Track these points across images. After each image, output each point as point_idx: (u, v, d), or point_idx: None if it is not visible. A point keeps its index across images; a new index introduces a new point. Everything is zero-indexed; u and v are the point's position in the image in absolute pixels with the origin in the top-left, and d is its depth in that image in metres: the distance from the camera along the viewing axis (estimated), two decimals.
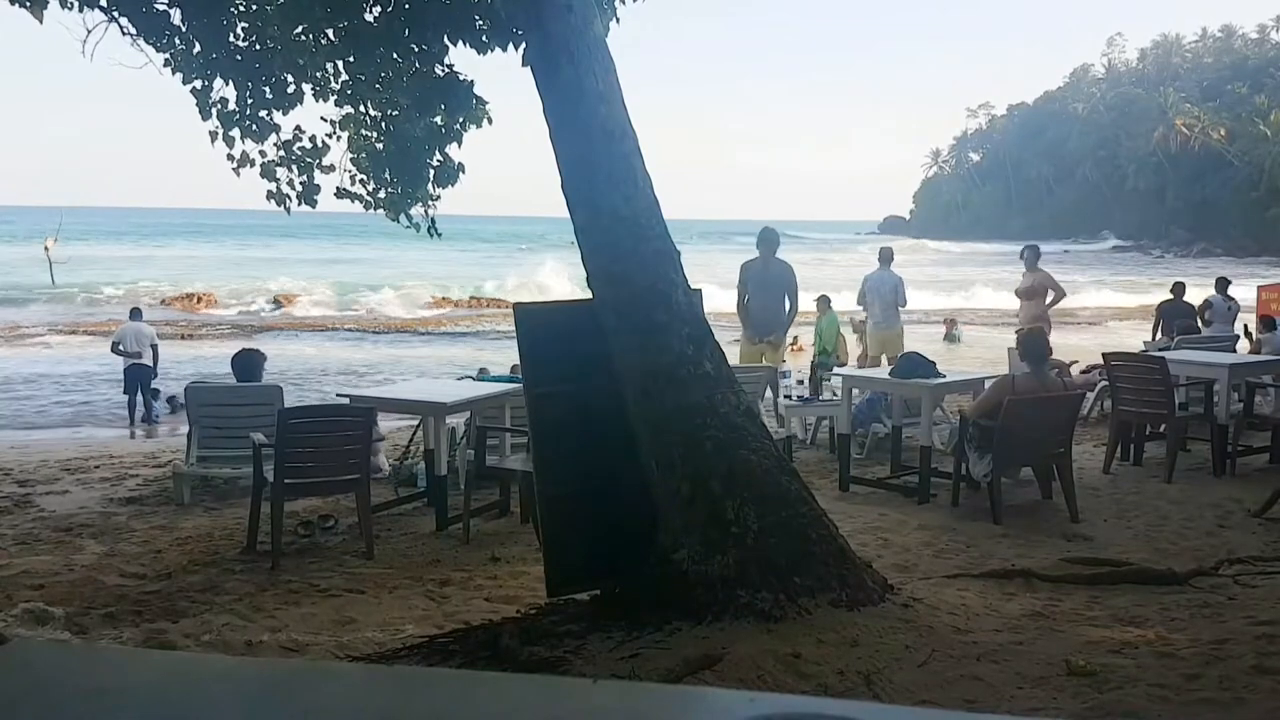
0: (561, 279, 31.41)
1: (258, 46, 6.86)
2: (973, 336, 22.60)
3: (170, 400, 12.89)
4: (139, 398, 12.55)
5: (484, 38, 6.56)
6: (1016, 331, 9.50)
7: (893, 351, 10.40)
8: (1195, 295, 13.18)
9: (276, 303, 31.22)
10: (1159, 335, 12.00)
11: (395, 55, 6.84)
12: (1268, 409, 8.64)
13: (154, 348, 12.62)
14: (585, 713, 1.06)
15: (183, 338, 22.03)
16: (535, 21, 4.49)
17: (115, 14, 6.34)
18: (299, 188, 7.48)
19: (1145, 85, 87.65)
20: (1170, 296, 12.61)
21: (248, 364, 7.83)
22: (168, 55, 6.67)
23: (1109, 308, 31.57)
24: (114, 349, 12.71)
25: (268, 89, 6.93)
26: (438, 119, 7.21)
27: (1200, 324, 11.71)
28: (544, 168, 4.62)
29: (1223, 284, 12.81)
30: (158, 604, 5.17)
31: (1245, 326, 11.50)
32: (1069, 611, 4.52)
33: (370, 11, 6.68)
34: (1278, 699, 3.45)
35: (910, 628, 4.00)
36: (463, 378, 10.18)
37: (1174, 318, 11.78)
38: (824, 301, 11.75)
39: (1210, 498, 6.94)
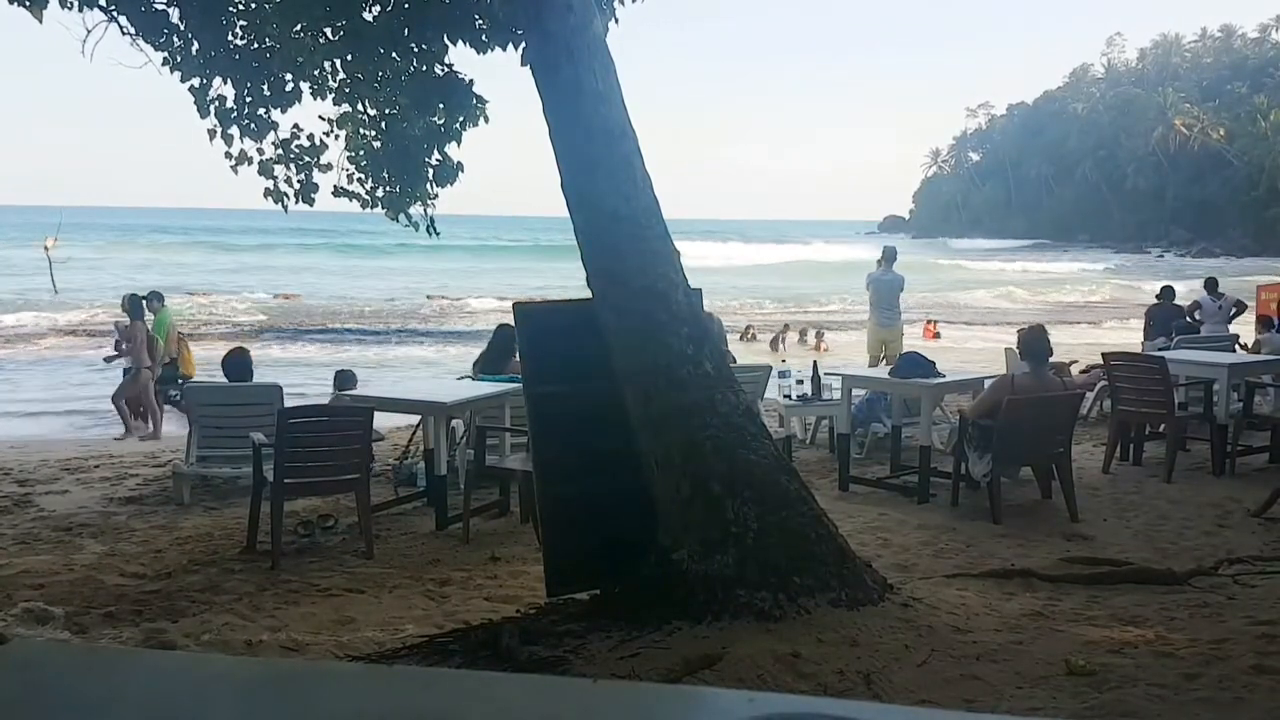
0: None
1: (256, 45, 6.86)
2: (957, 336, 22.80)
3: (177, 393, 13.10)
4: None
5: (483, 37, 6.56)
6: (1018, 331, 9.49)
7: (893, 350, 10.40)
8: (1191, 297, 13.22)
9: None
10: (1147, 339, 12.00)
11: (394, 54, 6.84)
12: (1267, 409, 8.65)
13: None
14: (585, 713, 1.06)
15: (181, 338, 21.98)
16: (535, 21, 4.49)
17: (114, 13, 6.33)
18: (297, 186, 7.48)
19: (1145, 85, 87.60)
20: (1158, 300, 12.61)
21: (239, 364, 7.84)
22: (166, 54, 6.67)
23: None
24: (116, 347, 12.75)
25: (266, 87, 6.93)
26: (436, 118, 7.21)
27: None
28: (544, 167, 4.62)
29: (1211, 284, 12.90)
30: (158, 604, 5.17)
31: (1238, 338, 11.43)
32: (1068, 611, 4.52)
33: (369, 10, 6.68)
34: (1277, 699, 3.45)
35: (910, 627, 4.00)
36: (462, 377, 10.18)
37: (1163, 320, 11.78)
38: (156, 298, 11.42)
39: (1210, 497, 6.93)
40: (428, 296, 33.10)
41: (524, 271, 45.06)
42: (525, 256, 57.65)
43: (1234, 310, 12.67)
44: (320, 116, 7.45)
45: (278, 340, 22.76)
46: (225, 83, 6.85)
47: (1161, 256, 67.07)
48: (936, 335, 22.71)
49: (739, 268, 46.72)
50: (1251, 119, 71.37)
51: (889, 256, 11.58)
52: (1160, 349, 9.92)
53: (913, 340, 16.17)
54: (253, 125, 7.05)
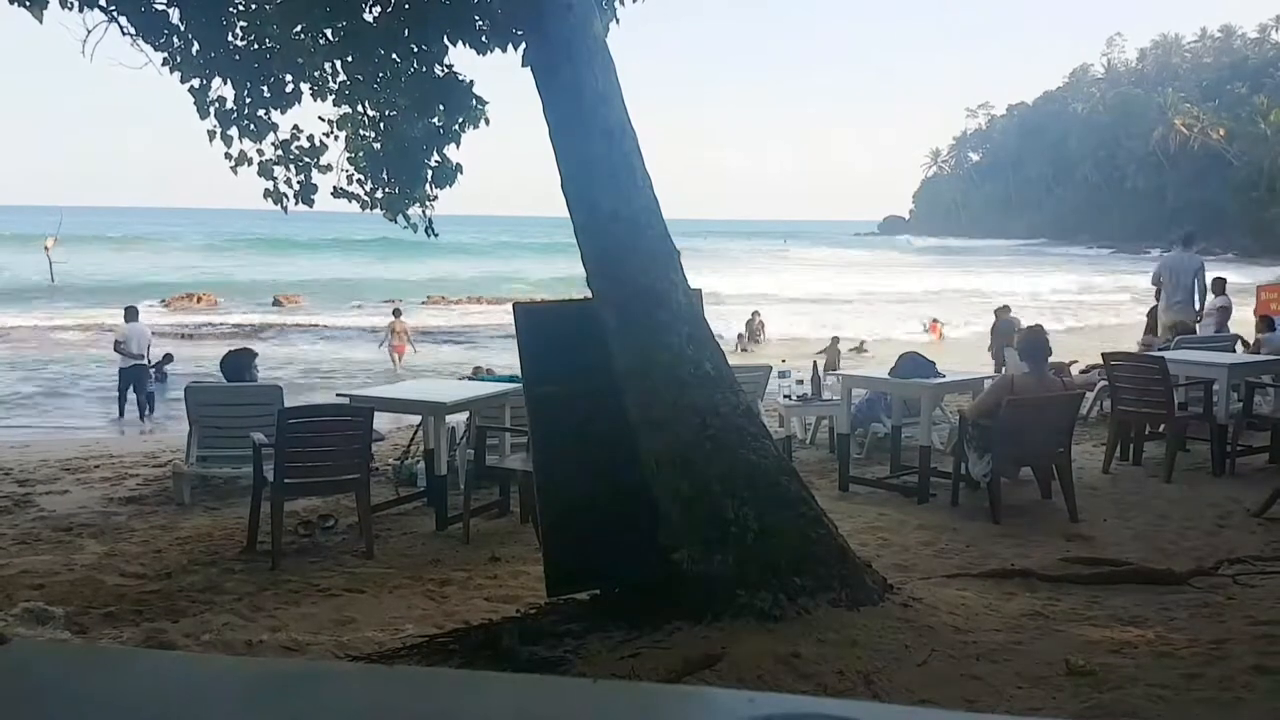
0: None
1: (256, 46, 6.85)
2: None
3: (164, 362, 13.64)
4: (131, 396, 12.63)
5: (484, 38, 6.56)
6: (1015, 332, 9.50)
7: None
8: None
9: (276, 303, 31.23)
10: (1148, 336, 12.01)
11: (394, 55, 6.84)
12: (1267, 409, 8.64)
13: (149, 348, 12.78)
14: (585, 713, 1.06)
15: (182, 338, 22.01)
16: (535, 22, 4.49)
17: (115, 13, 6.33)
18: (296, 187, 7.47)
19: (1145, 85, 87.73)
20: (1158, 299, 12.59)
21: (236, 365, 7.83)
22: (166, 55, 6.66)
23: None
24: (116, 348, 12.78)
25: (266, 88, 6.92)
26: (436, 119, 7.21)
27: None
28: (544, 168, 4.62)
29: (1219, 285, 12.84)
30: (158, 604, 5.18)
31: (1240, 338, 11.42)
32: (1068, 611, 4.52)
33: (369, 11, 6.68)
34: (1278, 699, 3.45)
35: (910, 627, 4.00)
36: (462, 378, 10.21)
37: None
38: None
39: (1210, 498, 6.93)
40: (427, 297, 33.13)
41: (522, 271, 45.03)
42: (524, 257, 57.59)
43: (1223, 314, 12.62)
44: (320, 117, 7.45)
45: (277, 340, 22.77)
46: (225, 84, 6.85)
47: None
48: (941, 335, 22.94)
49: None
50: (1251, 119, 71.32)
51: None
52: (1160, 349, 9.92)
53: (918, 339, 16.25)
54: (253, 126, 7.04)
